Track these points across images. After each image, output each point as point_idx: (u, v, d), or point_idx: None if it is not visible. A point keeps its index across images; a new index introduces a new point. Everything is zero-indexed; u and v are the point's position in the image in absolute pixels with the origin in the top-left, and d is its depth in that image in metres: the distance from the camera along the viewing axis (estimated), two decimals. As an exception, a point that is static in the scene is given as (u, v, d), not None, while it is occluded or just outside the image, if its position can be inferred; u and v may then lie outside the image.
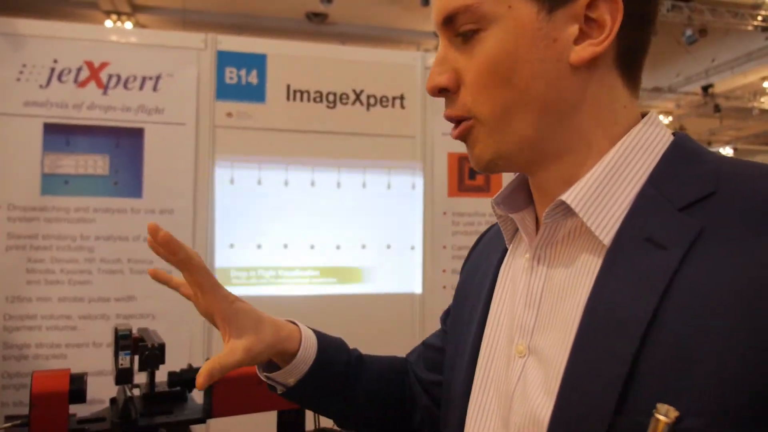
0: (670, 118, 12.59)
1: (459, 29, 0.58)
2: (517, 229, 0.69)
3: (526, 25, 0.56)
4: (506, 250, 0.72)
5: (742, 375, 0.43)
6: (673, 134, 0.60)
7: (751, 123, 12.21)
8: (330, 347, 0.81)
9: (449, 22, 0.59)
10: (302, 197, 2.45)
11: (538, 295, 0.61)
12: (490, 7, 0.56)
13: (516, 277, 0.67)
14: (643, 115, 0.61)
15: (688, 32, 7.94)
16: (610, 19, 0.56)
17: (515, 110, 0.57)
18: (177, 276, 0.80)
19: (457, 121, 0.62)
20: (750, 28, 8.13)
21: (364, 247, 2.51)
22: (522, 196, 0.68)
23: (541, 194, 0.64)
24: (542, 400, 0.55)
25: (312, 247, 2.46)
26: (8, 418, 1.17)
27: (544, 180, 0.62)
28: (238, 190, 2.38)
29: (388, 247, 2.53)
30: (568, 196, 0.57)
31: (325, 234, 2.47)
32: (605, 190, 0.57)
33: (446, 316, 0.88)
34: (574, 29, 0.56)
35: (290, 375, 0.77)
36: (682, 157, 0.57)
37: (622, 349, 0.48)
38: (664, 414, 0.44)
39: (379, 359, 0.90)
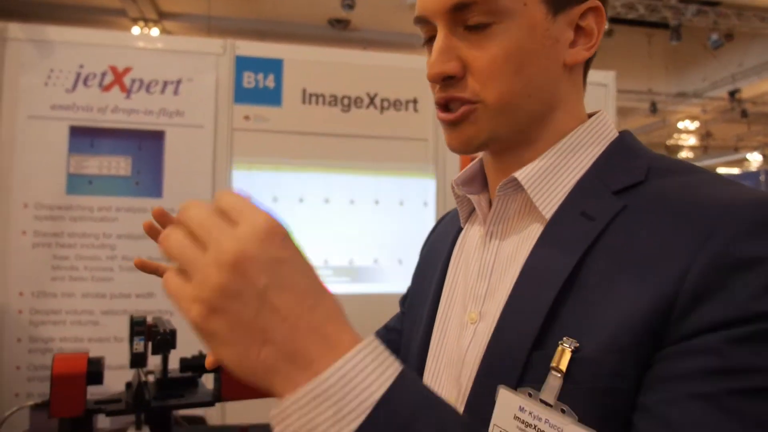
0: (697, 124, 12.40)
1: (470, 19, 0.61)
2: (472, 210, 0.75)
3: (537, 24, 0.61)
4: (460, 230, 0.77)
5: (632, 318, 0.51)
6: (619, 132, 0.68)
7: (780, 128, 11.99)
8: None
9: (459, 10, 0.61)
10: (316, 214, 2.52)
11: (490, 267, 0.67)
12: (507, 3, 0.60)
13: (469, 253, 0.73)
14: (590, 115, 0.69)
15: (714, 36, 7.85)
16: (597, 29, 0.65)
17: (520, 99, 0.63)
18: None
19: (460, 104, 0.63)
20: (777, 31, 8.02)
21: (376, 261, 2.58)
22: (478, 182, 0.74)
23: (500, 176, 0.69)
24: (482, 347, 0.61)
25: (325, 261, 2.54)
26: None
27: (509, 163, 0.67)
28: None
29: (400, 262, 2.60)
30: (520, 174, 0.64)
31: (339, 249, 2.55)
32: (553, 172, 0.64)
33: (404, 299, 0.92)
34: (569, 34, 0.64)
35: None
36: (622, 151, 0.65)
37: (544, 295, 0.56)
38: (568, 345, 0.53)
39: None
